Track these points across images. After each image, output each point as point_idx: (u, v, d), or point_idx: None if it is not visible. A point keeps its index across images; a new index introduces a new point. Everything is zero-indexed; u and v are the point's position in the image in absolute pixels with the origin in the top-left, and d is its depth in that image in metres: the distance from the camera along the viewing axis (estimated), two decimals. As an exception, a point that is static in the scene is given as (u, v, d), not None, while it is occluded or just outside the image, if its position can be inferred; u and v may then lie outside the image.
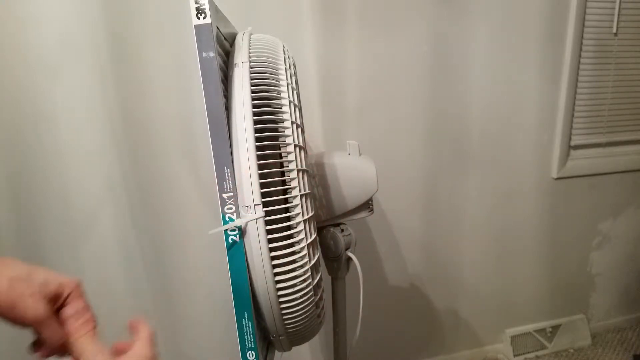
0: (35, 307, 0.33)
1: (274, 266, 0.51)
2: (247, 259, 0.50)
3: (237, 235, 0.50)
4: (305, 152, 0.58)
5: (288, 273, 0.52)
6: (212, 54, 0.47)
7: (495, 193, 1.34)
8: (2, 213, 0.92)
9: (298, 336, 0.58)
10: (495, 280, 1.43)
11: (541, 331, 1.51)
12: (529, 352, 1.50)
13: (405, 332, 1.37)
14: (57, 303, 0.35)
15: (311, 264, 0.54)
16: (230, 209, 0.49)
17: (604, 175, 1.45)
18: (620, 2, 1.31)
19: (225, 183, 0.49)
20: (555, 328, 1.52)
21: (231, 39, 0.59)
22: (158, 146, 1.00)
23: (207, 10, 0.47)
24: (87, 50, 0.91)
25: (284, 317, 0.53)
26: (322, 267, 0.63)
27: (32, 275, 0.34)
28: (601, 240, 1.52)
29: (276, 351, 0.61)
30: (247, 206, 0.49)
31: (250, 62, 0.54)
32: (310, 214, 0.55)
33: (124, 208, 1.00)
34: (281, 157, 0.54)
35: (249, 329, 0.51)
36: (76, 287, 0.37)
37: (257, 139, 0.50)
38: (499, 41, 1.21)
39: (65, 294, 0.36)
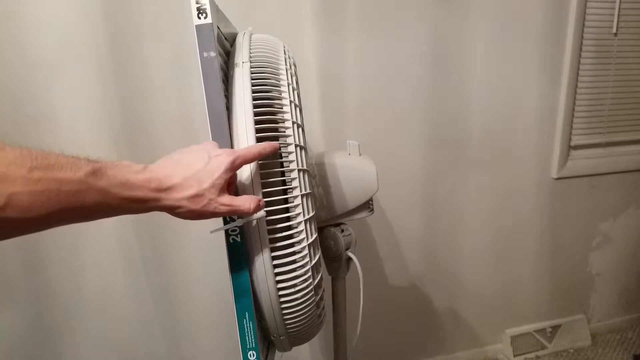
0: (219, 210, 0.43)
1: (275, 266, 0.51)
2: (247, 259, 0.50)
3: (238, 235, 0.50)
4: (306, 152, 0.58)
5: (289, 273, 0.52)
6: (213, 54, 0.47)
7: (495, 193, 1.34)
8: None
9: (298, 336, 0.58)
10: (495, 280, 1.43)
11: (541, 331, 1.51)
12: (529, 352, 1.50)
13: (405, 332, 1.37)
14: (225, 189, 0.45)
15: (312, 264, 0.54)
16: (231, 208, 0.49)
17: (604, 175, 1.45)
18: (620, 2, 1.31)
19: (226, 183, 0.49)
20: (555, 328, 1.52)
21: (232, 39, 0.59)
22: (158, 146, 0.99)
23: (208, 10, 0.47)
24: (87, 50, 0.91)
25: (285, 317, 0.53)
26: (323, 267, 0.63)
27: (201, 185, 0.42)
28: (601, 240, 1.53)
29: (277, 351, 0.61)
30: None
31: (250, 62, 0.54)
32: (311, 214, 0.55)
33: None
34: (282, 157, 0.54)
35: (250, 329, 0.51)
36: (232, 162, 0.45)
37: (258, 139, 0.50)
38: (498, 41, 1.22)
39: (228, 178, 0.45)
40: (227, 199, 0.44)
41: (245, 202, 0.45)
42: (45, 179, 0.32)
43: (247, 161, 0.47)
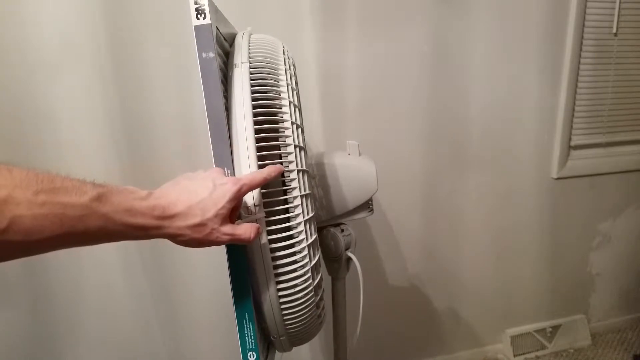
0: (220, 240, 0.43)
1: (275, 267, 0.51)
2: (247, 260, 0.50)
3: (238, 236, 0.49)
4: (305, 152, 0.58)
5: (289, 273, 0.52)
6: (212, 55, 0.47)
7: (495, 193, 1.34)
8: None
9: (298, 336, 0.58)
10: (495, 280, 1.43)
11: (541, 331, 1.51)
12: (529, 352, 1.50)
13: (405, 332, 1.37)
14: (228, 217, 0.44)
15: (312, 265, 0.54)
16: (231, 209, 0.49)
17: (604, 175, 1.45)
18: (620, 2, 1.31)
19: (225, 183, 0.49)
20: (555, 328, 1.52)
21: (231, 40, 0.59)
22: (158, 146, 1.00)
23: (207, 11, 0.47)
24: (87, 50, 0.91)
25: (285, 317, 0.53)
26: (322, 267, 0.63)
27: (205, 215, 0.42)
28: (601, 240, 1.52)
29: (277, 351, 0.61)
30: (248, 207, 0.49)
31: (250, 63, 0.54)
32: (311, 215, 0.55)
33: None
34: (281, 158, 0.54)
35: (250, 329, 0.51)
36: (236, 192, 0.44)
37: (257, 140, 0.50)
38: (499, 41, 1.21)
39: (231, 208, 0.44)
40: (229, 229, 0.44)
41: (246, 231, 0.45)
42: (49, 202, 0.32)
43: (253, 188, 0.46)
